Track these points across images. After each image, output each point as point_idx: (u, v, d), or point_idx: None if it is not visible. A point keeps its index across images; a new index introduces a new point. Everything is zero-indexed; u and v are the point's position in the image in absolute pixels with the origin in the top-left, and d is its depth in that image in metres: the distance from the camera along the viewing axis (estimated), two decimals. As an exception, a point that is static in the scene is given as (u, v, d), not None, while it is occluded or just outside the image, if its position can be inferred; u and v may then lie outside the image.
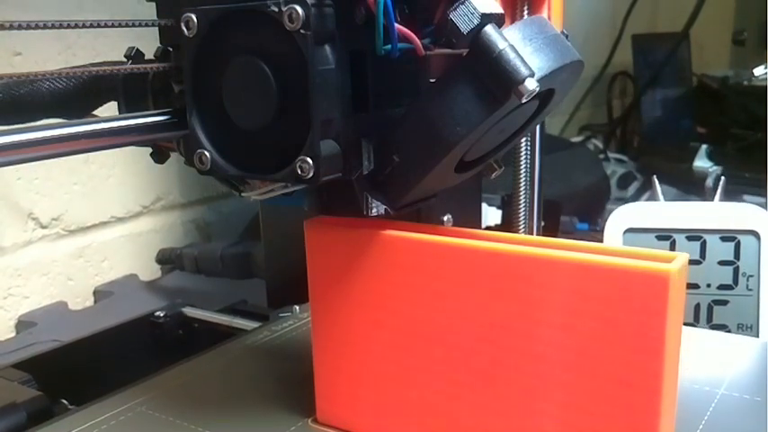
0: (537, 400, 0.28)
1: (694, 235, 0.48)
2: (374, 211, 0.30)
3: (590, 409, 0.27)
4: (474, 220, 0.39)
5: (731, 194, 0.94)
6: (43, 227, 0.69)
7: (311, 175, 0.27)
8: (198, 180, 0.83)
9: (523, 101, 0.26)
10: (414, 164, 0.29)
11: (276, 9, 0.26)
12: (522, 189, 0.46)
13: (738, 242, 0.47)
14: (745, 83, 1.30)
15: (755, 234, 0.47)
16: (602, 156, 1.25)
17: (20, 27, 0.26)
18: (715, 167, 0.99)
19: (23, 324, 0.66)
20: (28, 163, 0.28)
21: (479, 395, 0.29)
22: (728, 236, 0.48)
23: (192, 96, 0.29)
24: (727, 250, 0.48)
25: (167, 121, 0.31)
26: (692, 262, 0.47)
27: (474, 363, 0.29)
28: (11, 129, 0.26)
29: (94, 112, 0.36)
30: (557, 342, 0.27)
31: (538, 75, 0.26)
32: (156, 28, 0.31)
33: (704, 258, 0.48)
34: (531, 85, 0.25)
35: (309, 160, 0.27)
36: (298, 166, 0.27)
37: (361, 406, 0.33)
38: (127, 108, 0.34)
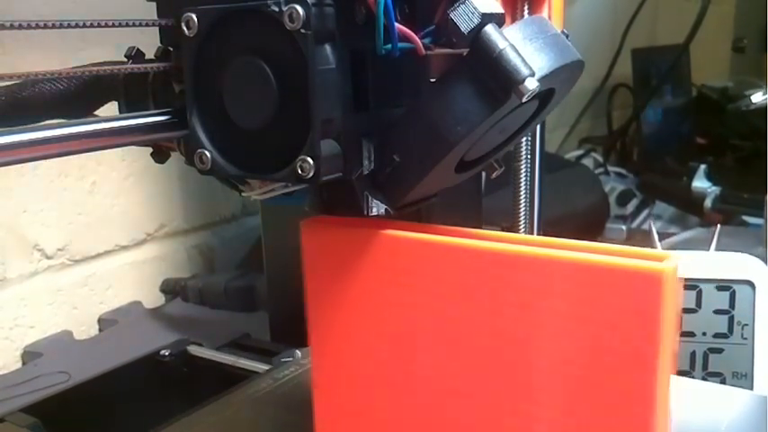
0: (533, 399, 0.28)
1: (690, 284, 0.48)
2: (374, 210, 0.30)
3: (585, 407, 0.27)
4: (474, 221, 0.39)
5: (730, 215, 0.95)
6: (48, 257, 0.69)
7: (311, 174, 0.27)
8: (201, 206, 0.84)
9: (524, 100, 0.26)
10: (414, 164, 0.29)
11: (276, 9, 0.26)
12: (521, 220, 0.46)
13: (734, 291, 0.48)
14: (744, 108, 1.32)
15: (750, 284, 0.48)
16: (601, 169, 1.25)
17: (20, 27, 0.26)
18: (714, 188, 1.00)
19: (29, 354, 0.67)
20: (28, 162, 0.27)
21: (476, 393, 0.29)
22: (724, 285, 0.48)
23: (192, 96, 0.29)
24: (722, 299, 0.48)
25: (168, 121, 0.31)
26: (687, 310, 0.48)
27: (472, 361, 0.29)
28: (11, 129, 0.26)
29: (95, 113, 0.36)
30: (553, 341, 0.27)
31: (538, 74, 0.26)
32: (156, 28, 0.31)
33: (700, 307, 0.49)
34: (532, 84, 0.25)
35: (310, 160, 0.27)
36: (298, 165, 0.27)
37: (359, 408, 0.33)
38: (127, 108, 0.34)
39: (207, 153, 0.29)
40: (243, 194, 0.32)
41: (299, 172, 0.27)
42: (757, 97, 1.21)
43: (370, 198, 0.30)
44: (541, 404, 0.28)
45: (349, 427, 0.33)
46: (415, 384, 0.31)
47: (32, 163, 0.65)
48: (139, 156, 0.75)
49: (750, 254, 0.50)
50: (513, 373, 0.28)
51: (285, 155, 0.27)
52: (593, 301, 0.26)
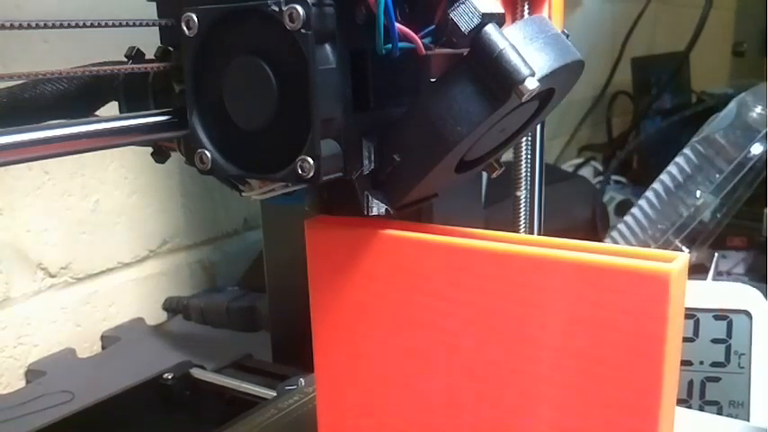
0: (537, 399, 0.28)
1: (688, 313, 0.49)
2: (374, 210, 0.30)
3: (588, 409, 0.27)
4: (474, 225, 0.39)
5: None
6: (52, 276, 0.69)
7: (312, 174, 0.27)
8: (202, 221, 0.84)
9: (524, 100, 0.26)
10: (414, 163, 0.29)
11: (277, 9, 0.26)
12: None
13: (731, 321, 0.49)
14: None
15: (747, 314, 0.48)
16: (601, 178, 1.25)
17: (20, 27, 0.26)
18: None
19: (33, 373, 0.67)
20: (29, 162, 0.27)
21: (478, 394, 0.29)
22: (721, 315, 0.49)
23: (192, 96, 0.29)
24: (719, 329, 0.49)
25: (168, 121, 0.31)
26: (685, 339, 0.48)
27: (473, 360, 0.29)
28: (11, 129, 0.26)
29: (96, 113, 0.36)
30: (557, 342, 0.27)
31: (538, 74, 0.26)
32: (156, 28, 0.31)
33: (697, 336, 0.49)
34: (532, 84, 0.25)
35: (310, 160, 0.27)
36: (298, 165, 0.27)
37: (363, 406, 0.33)
38: (128, 108, 0.34)
39: (207, 153, 0.29)
40: (243, 194, 0.32)
41: (300, 172, 0.27)
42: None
43: (370, 198, 0.30)
44: (545, 405, 0.28)
45: (352, 423, 0.33)
46: (415, 381, 0.31)
47: (36, 182, 0.65)
48: (142, 173, 0.75)
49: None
50: (516, 373, 0.28)
51: (285, 155, 0.27)
52: (599, 301, 0.26)
